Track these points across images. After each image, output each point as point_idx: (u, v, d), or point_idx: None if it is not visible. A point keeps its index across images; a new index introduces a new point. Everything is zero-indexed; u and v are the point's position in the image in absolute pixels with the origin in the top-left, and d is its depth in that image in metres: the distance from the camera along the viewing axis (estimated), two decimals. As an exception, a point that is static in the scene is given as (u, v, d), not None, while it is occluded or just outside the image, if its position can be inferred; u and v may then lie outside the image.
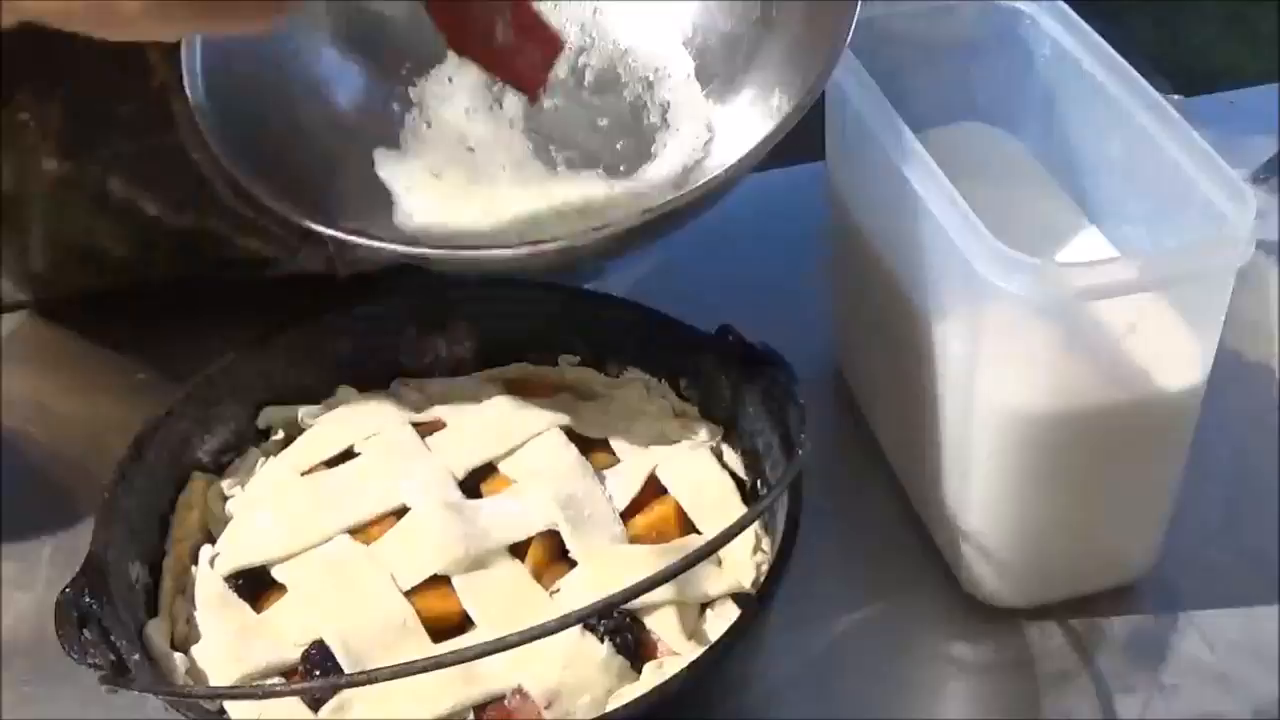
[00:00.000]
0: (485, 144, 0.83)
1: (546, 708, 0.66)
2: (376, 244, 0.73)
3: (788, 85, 0.78)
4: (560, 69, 0.85)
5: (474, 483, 0.76)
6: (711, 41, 0.84)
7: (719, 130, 0.82)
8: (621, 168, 0.82)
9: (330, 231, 0.71)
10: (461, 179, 0.82)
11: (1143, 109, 0.73)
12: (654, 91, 0.84)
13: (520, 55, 0.75)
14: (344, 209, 0.77)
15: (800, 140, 0.71)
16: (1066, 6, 0.79)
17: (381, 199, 0.81)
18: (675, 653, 0.68)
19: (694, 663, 0.64)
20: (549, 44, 0.76)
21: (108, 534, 0.70)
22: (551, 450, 0.76)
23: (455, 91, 0.84)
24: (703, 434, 0.78)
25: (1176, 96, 0.96)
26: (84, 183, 0.89)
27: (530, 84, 0.77)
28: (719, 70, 0.83)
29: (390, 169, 0.82)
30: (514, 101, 0.84)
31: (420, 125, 0.83)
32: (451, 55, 0.84)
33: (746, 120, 0.81)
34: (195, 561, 0.73)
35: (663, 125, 0.84)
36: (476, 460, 0.76)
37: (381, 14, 0.83)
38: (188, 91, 0.74)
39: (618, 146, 0.83)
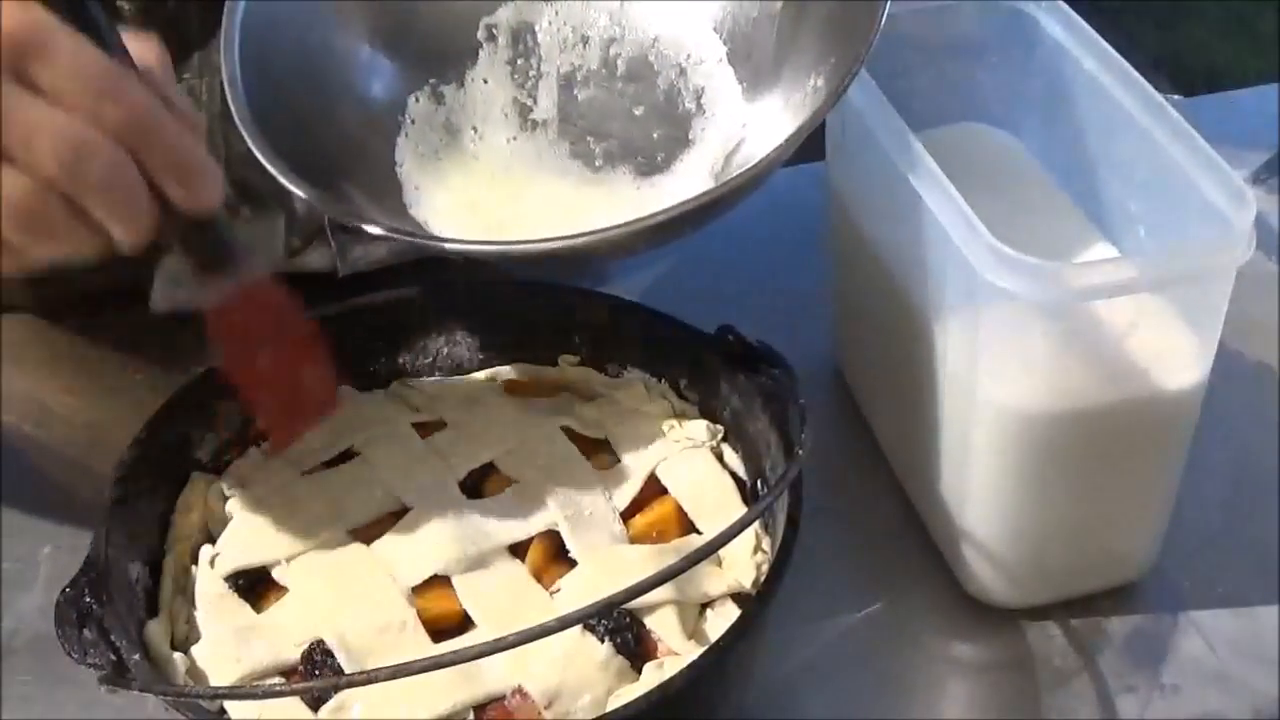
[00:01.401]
0: (520, 143, 0.84)
1: (546, 708, 0.66)
2: (403, 237, 0.73)
3: (824, 65, 0.77)
4: (592, 60, 0.85)
5: (474, 483, 0.76)
6: (742, 25, 0.83)
7: (757, 115, 0.82)
8: (660, 157, 0.82)
9: (358, 223, 0.71)
10: (486, 177, 0.82)
11: (1143, 109, 0.73)
12: (687, 78, 0.84)
13: (285, 402, 0.71)
14: (365, 200, 0.77)
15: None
16: (1067, 7, 0.79)
17: (399, 187, 0.81)
18: (675, 653, 0.68)
19: (694, 663, 0.64)
20: (321, 405, 0.72)
21: (108, 534, 0.70)
22: (551, 450, 0.76)
23: (491, 92, 0.84)
24: (703, 434, 0.78)
25: (1176, 96, 0.96)
26: None
27: (280, 436, 0.73)
28: (752, 53, 0.83)
29: (420, 166, 0.82)
30: (548, 98, 0.84)
31: (451, 120, 0.83)
32: (484, 56, 0.84)
33: (784, 104, 0.81)
34: (195, 561, 0.73)
35: (699, 111, 0.83)
36: (476, 460, 0.76)
37: (415, 13, 0.84)
38: (223, 72, 0.74)
39: (655, 135, 0.83)
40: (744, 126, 0.82)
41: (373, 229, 0.71)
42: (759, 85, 0.82)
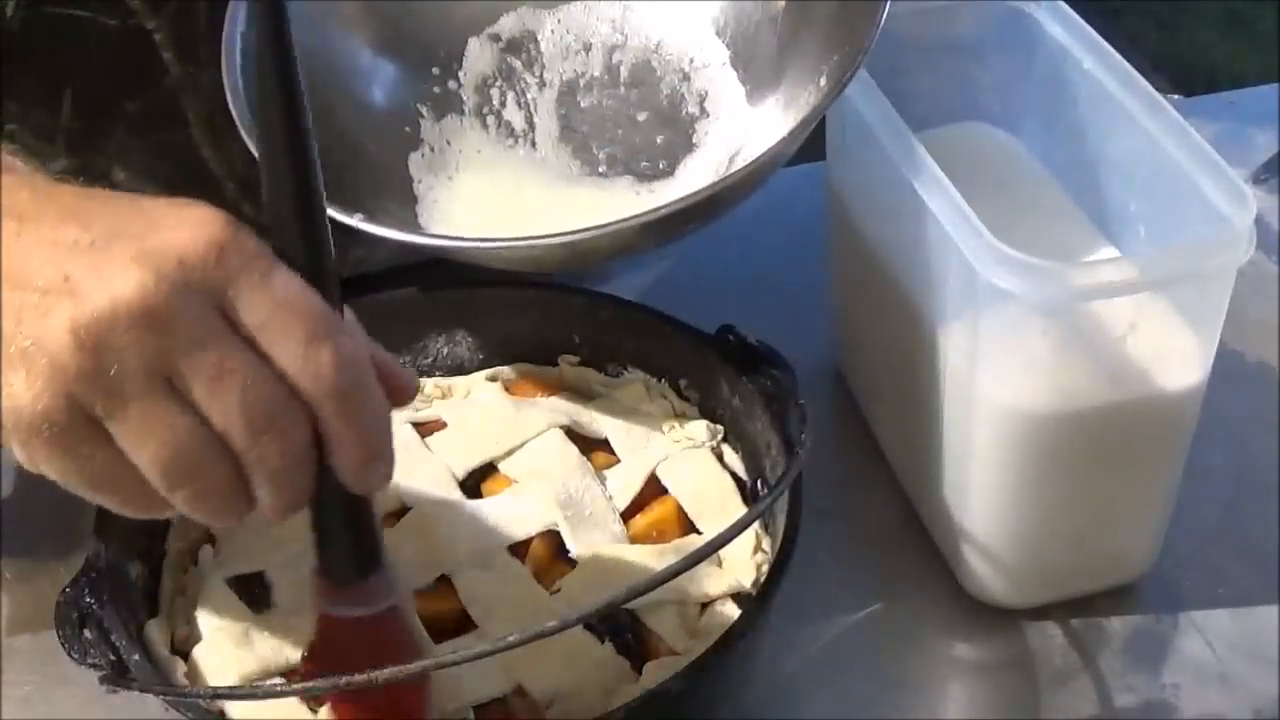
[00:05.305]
0: (524, 152, 0.84)
1: (546, 708, 0.66)
2: (399, 235, 0.73)
3: (826, 65, 0.77)
4: (595, 67, 0.85)
5: (474, 483, 0.76)
6: (745, 28, 0.83)
7: (760, 118, 0.82)
8: (663, 163, 0.82)
9: (350, 221, 0.71)
10: (492, 185, 0.82)
11: (1143, 109, 0.73)
12: (690, 82, 0.84)
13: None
14: (365, 202, 0.77)
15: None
16: (1066, 6, 0.79)
17: (405, 196, 0.81)
18: (675, 653, 0.68)
19: (694, 663, 0.64)
20: None
21: (108, 534, 0.70)
22: (551, 450, 0.76)
23: (494, 100, 0.84)
24: (703, 434, 0.78)
25: (1176, 96, 0.96)
26: (90, 178, 0.89)
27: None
28: (754, 56, 0.83)
29: (421, 171, 0.82)
30: (551, 106, 0.84)
31: (454, 129, 0.83)
32: (487, 64, 0.84)
33: (786, 105, 0.80)
34: (195, 561, 0.73)
35: (702, 115, 0.83)
36: (476, 460, 0.76)
37: (417, 21, 0.83)
38: (224, 75, 0.74)
39: (658, 140, 0.83)
40: (747, 130, 0.82)
41: (367, 227, 0.71)
42: (762, 87, 0.82)
